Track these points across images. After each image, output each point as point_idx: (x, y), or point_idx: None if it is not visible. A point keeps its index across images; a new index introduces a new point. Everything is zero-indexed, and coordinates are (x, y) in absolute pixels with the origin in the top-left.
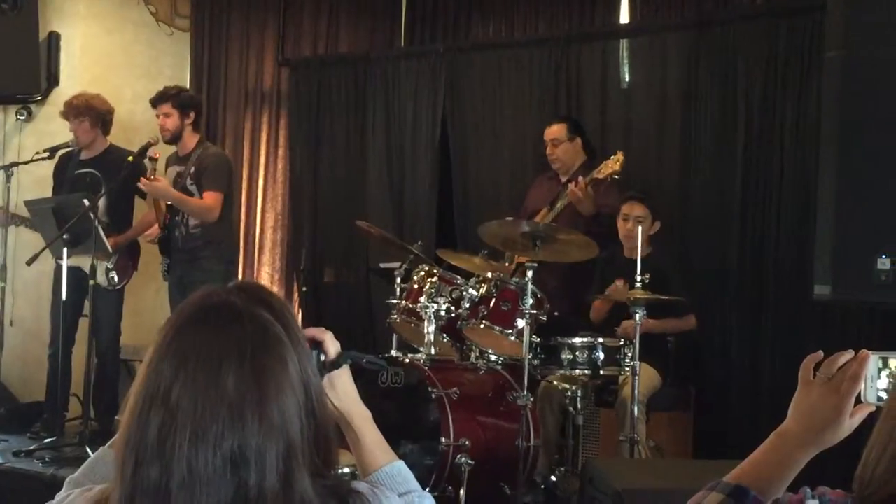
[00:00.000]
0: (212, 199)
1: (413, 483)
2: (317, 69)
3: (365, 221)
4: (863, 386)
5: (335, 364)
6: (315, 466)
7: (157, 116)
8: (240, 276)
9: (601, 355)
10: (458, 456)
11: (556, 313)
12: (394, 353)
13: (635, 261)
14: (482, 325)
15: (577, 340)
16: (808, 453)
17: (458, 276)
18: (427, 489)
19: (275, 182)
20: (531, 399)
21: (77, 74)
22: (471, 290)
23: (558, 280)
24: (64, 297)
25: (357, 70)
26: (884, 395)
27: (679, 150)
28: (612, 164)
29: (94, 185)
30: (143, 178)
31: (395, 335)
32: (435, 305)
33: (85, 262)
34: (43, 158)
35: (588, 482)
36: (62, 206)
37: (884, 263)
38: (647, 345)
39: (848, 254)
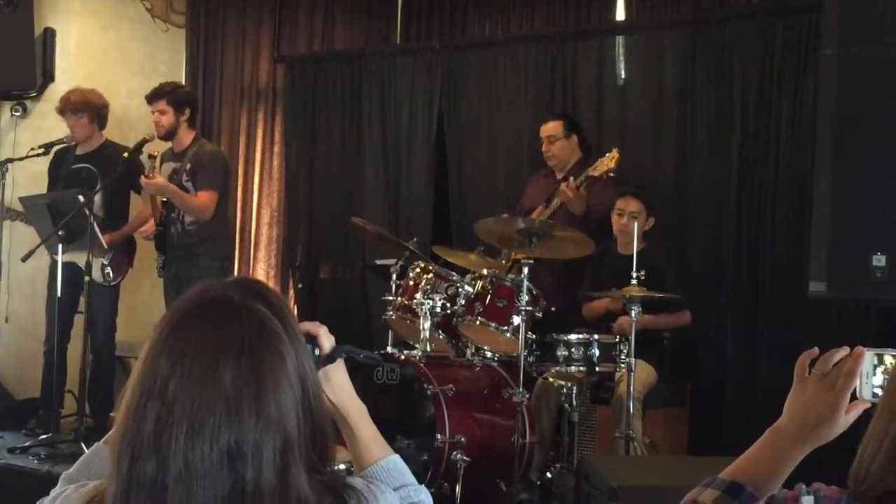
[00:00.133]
0: (206, 197)
1: (409, 477)
2: (312, 66)
3: (361, 218)
4: (858, 382)
5: (330, 358)
6: (311, 462)
7: (153, 113)
8: (235, 273)
9: (597, 352)
10: (454, 452)
11: (552, 308)
12: (389, 349)
13: (629, 257)
14: (478, 322)
15: (573, 337)
16: (803, 450)
17: (454, 273)
18: (422, 485)
19: (270, 178)
20: (527, 396)
21: (72, 70)
22: (466, 287)
23: (554, 276)
24: (59, 293)
25: (353, 67)
26: (879, 392)
27: (675, 147)
28: (608, 162)
29: (89, 181)
30: (143, 176)
31: (390, 332)
32: (430, 302)
33: (80, 259)
34: (38, 154)
35: (583, 479)
36: (57, 203)
37: (879, 260)
38: (642, 341)
39: (843, 251)
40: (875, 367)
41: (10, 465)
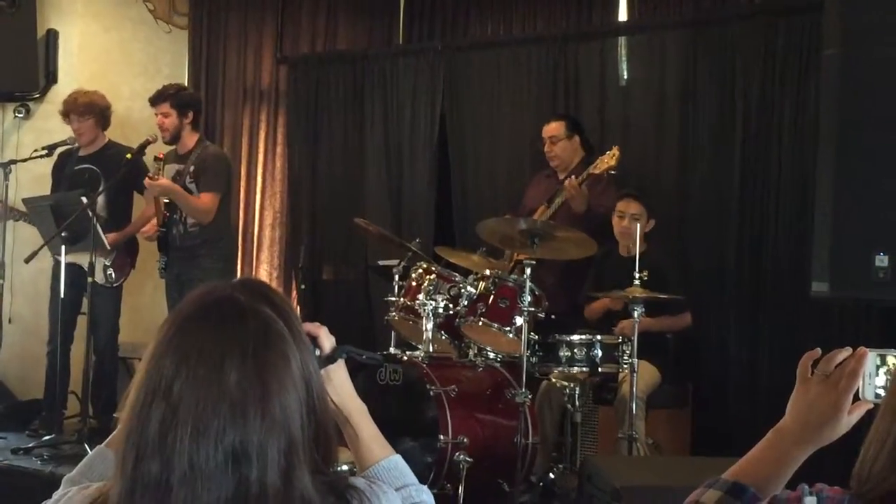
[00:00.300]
0: (209, 199)
1: (410, 477)
2: (315, 67)
3: (363, 219)
4: (860, 383)
5: (330, 359)
6: (314, 463)
7: (156, 116)
8: (238, 274)
9: (599, 353)
10: (457, 453)
11: (552, 316)
12: (392, 350)
13: (631, 258)
14: (480, 323)
15: (576, 338)
16: (805, 450)
17: (457, 274)
18: (424, 486)
19: (273, 180)
20: (529, 396)
21: (75, 72)
22: (469, 288)
23: (556, 277)
24: (62, 294)
25: (355, 68)
26: (881, 392)
27: (677, 148)
28: (608, 160)
29: (92, 182)
30: (147, 177)
31: (393, 332)
32: (433, 303)
33: (83, 260)
34: (41, 156)
35: (586, 479)
36: (60, 204)
37: (881, 261)
38: (646, 342)
39: (845, 251)
40: (878, 367)
41: (13, 465)
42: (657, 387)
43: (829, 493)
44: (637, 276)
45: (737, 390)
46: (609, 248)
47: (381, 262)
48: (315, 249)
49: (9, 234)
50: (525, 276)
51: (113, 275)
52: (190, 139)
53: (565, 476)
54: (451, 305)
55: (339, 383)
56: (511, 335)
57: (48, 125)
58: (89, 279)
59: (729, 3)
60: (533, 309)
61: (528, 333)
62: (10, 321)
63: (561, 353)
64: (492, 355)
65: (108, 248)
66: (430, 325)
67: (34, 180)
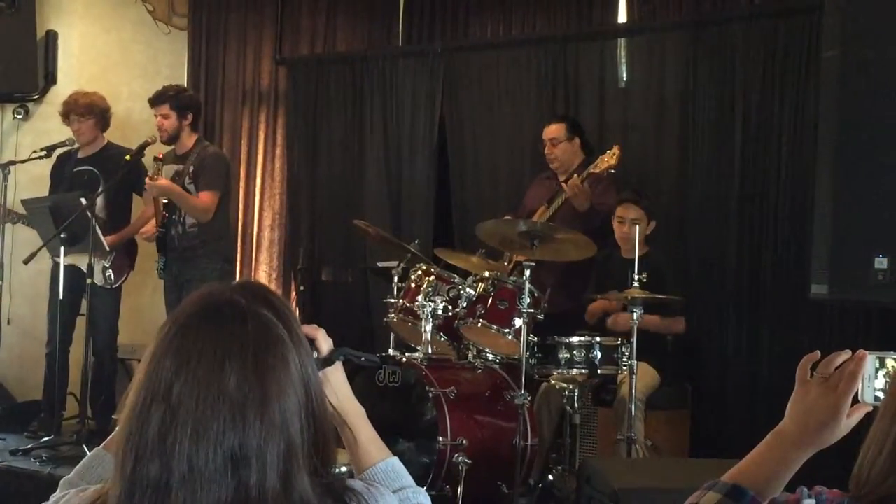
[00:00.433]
0: (208, 198)
1: (408, 479)
2: (314, 68)
3: (362, 220)
4: (860, 386)
5: (328, 361)
6: (313, 465)
7: (156, 117)
8: (237, 275)
9: (598, 354)
10: (456, 455)
11: (555, 311)
12: (391, 351)
13: (632, 261)
14: (479, 324)
15: (575, 339)
16: (805, 453)
17: (456, 275)
18: (424, 488)
19: (272, 181)
20: (528, 398)
21: (74, 73)
22: (468, 289)
23: (556, 278)
24: (61, 295)
25: (354, 69)
26: (881, 395)
27: (677, 149)
28: (609, 159)
29: (92, 183)
30: (147, 177)
31: (392, 334)
32: (432, 304)
33: (82, 261)
34: (40, 157)
35: (585, 481)
36: (59, 205)
37: (881, 263)
38: (645, 344)
39: (845, 253)
40: (877, 370)
41: (11, 467)
42: (656, 389)
43: (829, 496)
44: (636, 277)
45: (736, 392)
46: (610, 251)
47: (380, 264)
48: (314, 251)
49: (7, 236)
50: (524, 278)
51: (112, 276)
52: (188, 140)
53: (564, 478)
54: (450, 307)
55: (336, 385)
56: (510, 337)
57: (47, 126)
58: (88, 280)
59: (728, 5)
60: (532, 311)
61: (528, 335)
62: (8, 322)
63: (560, 355)
64: (491, 357)
65: (107, 249)
66: (429, 327)
67: (33, 181)
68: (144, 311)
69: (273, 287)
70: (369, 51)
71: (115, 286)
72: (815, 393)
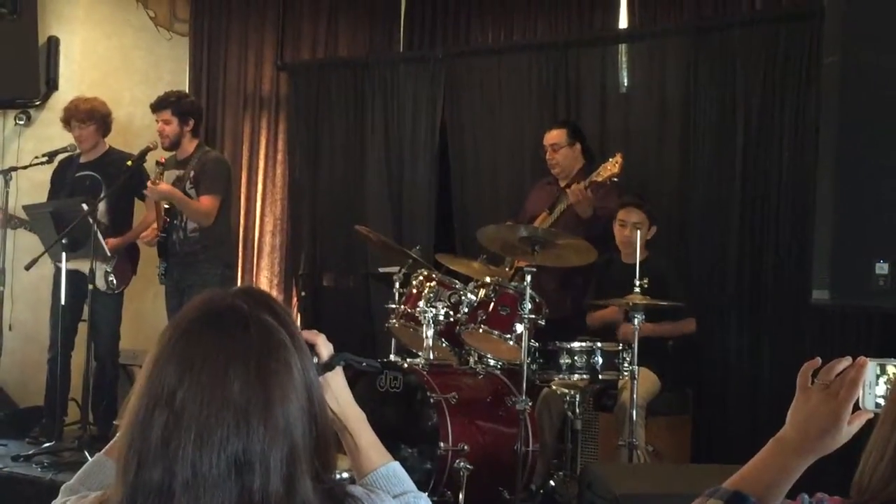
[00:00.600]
0: (208, 202)
1: (408, 484)
2: (315, 73)
3: (364, 226)
4: (861, 392)
5: (328, 366)
6: (315, 470)
7: (157, 122)
8: (239, 281)
9: (600, 360)
10: (457, 461)
11: (550, 321)
12: (392, 357)
13: (633, 266)
14: (481, 330)
15: (576, 345)
16: (806, 460)
17: (457, 281)
18: (425, 494)
19: (274, 186)
20: (530, 403)
21: (76, 79)
22: (469, 295)
23: (557, 284)
24: (63, 301)
25: (356, 74)
26: (881, 402)
27: (678, 155)
28: (611, 167)
29: (93, 188)
30: (148, 183)
31: (393, 340)
32: (433, 310)
33: (84, 266)
34: (42, 163)
35: (587, 487)
36: (61, 211)
37: (882, 268)
38: (645, 349)
39: (846, 259)
40: (878, 377)
41: (13, 473)
42: (657, 394)
43: (829, 503)
44: (637, 283)
45: (737, 397)
46: (611, 256)
47: (381, 269)
48: (316, 256)
49: (9, 241)
50: (525, 284)
51: (114, 281)
52: (190, 145)
53: (565, 483)
54: (451, 313)
55: (337, 390)
56: (511, 342)
57: (49, 132)
58: (90, 286)
59: (729, 10)
60: (533, 316)
61: (529, 341)
62: (10, 328)
63: (561, 361)
64: (492, 362)
65: (109, 254)
66: (430, 333)
67: (35, 187)
68: (146, 316)
69: (274, 292)
70: (370, 56)
71: (117, 291)
72: (816, 400)
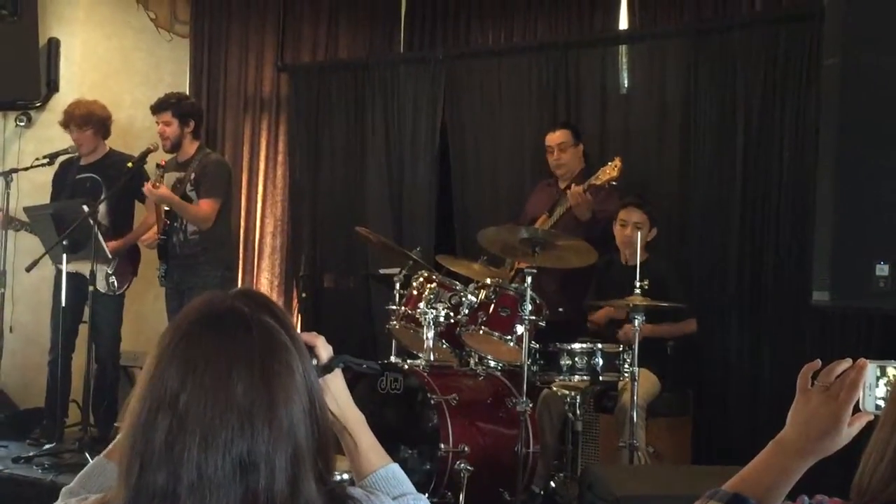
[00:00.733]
0: (208, 205)
1: (407, 485)
2: (316, 75)
3: (364, 227)
4: (861, 394)
5: (328, 368)
6: (318, 471)
7: (157, 124)
8: (239, 282)
9: (600, 361)
10: (458, 462)
11: (560, 309)
12: (393, 358)
13: (633, 267)
14: (481, 331)
15: (577, 346)
16: (806, 462)
17: (457, 282)
18: (426, 495)
19: (274, 188)
20: (530, 405)
21: (77, 80)
22: (470, 296)
23: (557, 285)
24: (63, 302)
25: (356, 76)
26: (881, 404)
27: (678, 156)
28: (610, 171)
29: (94, 190)
30: (147, 184)
31: (394, 341)
32: (434, 311)
33: (85, 268)
34: (43, 164)
35: (587, 488)
36: (61, 212)
37: (882, 270)
38: (646, 350)
39: (846, 260)
40: (878, 378)
41: (14, 474)
42: (656, 395)
43: None
44: (637, 284)
45: (737, 398)
46: (611, 257)
47: (381, 271)
48: (316, 257)
49: (10, 243)
50: (526, 285)
51: (115, 282)
52: (190, 147)
53: (566, 485)
54: (451, 314)
55: (336, 392)
56: (512, 344)
57: (49, 134)
58: (91, 287)
59: (729, 12)
60: (534, 317)
61: (529, 342)
62: (11, 330)
63: (562, 362)
64: (493, 364)
65: (109, 256)
66: (430, 334)
67: (35, 189)
68: (147, 318)
69: (275, 294)
70: (371, 58)
71: (118, 293)
72: (816, 402)
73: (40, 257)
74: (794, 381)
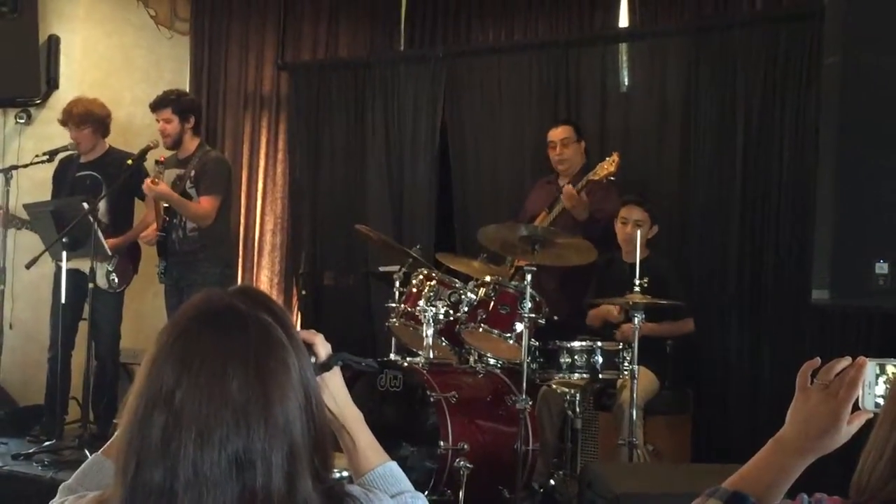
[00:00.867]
0: (208, 203)
1: (405, 483)
2: (316, 73)
3: (364, 225)
4: (860, 392)
5: (326, 366)
6: (314, 469)
7: (157, 121)
8: (239, 280)
9: (600, 359)
10: (457, 460)
11: (555, 318)
12: (393, 356)
13: (633, 265)
14: (481, 329)
15: (576, 344)
16: (805, 460)
17: (457, 280)
18: (426, 493)
19: (274, 186)
20: (530, 403)
21: (77, 78)
22: (469, 294)
23: (557, 283)
24: (63, 300)
25: (356, 74)
26: (881, 402)
27: (678, 154)
28: (608, 166)
29: (94, 188)
30: (147, 181)
31: (393, 338)
32: (434, 309)
33: (84, 265)
34: (42, 161)
35: (587, 486)
36: (61, 210)
37: (882, 268)
38: (645, 348)
39: (846, 258)
40: (877, 376)
41: (13, 471)
42: (655, 393)
43: (829, 502)
44: (637, 282)
45: (737, 397)
46: (612, 255)
47: (381, 269)
48: (316, 255)
49: (10, 240)
50: (526, 283)
51: (116, 280)
52: (191, 144)
53: (566, 482)
54: (451, 312)
55: (335, 390)
56: (511, 341)
57: (49, 131)
58: (90, 284)
59: (730, 10)
60: (533, 315)
61: (529, 340)
62: (11, 327)
63: (561, 360)
64: (492, 361)
65: (109, 253)
66: (430, 332)
67: (35, 186)
68: (146, 315)
69: (275, 291)
70: (371, 56)
71: (119, 290)
72: (816, 400)
73: (40, 254)
74: (793, 379)
